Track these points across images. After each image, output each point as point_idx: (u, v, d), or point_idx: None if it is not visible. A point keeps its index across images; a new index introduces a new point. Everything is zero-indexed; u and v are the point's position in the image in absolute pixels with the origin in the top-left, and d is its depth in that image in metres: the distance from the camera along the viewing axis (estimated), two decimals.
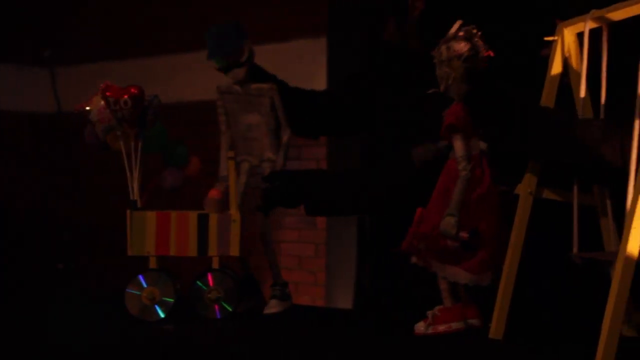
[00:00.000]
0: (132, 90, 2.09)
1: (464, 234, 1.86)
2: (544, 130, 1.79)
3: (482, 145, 1.92)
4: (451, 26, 1.88)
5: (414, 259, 1.95)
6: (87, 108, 2.17)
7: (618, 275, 1.47)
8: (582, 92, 1.84)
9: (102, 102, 2.12)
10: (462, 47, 1.85)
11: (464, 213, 1.87)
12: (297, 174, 2.32)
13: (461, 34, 1.86)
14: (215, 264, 2.15)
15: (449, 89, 1.90)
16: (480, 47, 1.85)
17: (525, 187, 1.87)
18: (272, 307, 2.23)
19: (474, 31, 1.85)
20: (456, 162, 1.90)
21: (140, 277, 2.14)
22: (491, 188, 1.90)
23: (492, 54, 1.86)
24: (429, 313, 1.94)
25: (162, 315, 2.13)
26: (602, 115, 1.77)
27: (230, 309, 2.14)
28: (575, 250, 1.79)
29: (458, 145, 1.90)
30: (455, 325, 1.94)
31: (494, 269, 1.91)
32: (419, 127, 2.27)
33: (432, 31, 2.36)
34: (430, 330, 1.92)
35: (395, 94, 2.45)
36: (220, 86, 2.29)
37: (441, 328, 1.92)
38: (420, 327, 1.93)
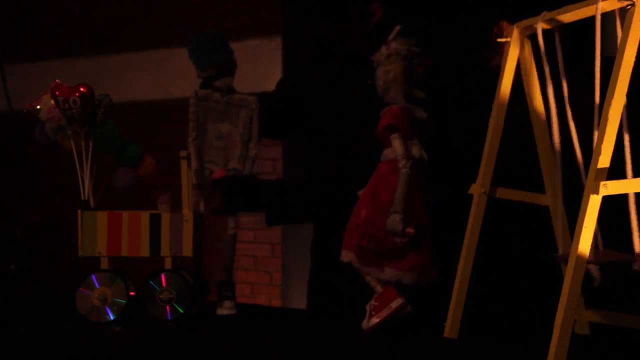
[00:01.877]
0: (82, 89, 2.07)
1: (410, 230, 1.87)
2: None
3: (416, 151, 1.94)
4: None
5: (345, 256, 1.96)
6: (38, 107, 2.14)
7: (570, 275, 1.48)
8: (536, 96, 1.86)
9: (52, 101, 2.09)
10: (400, 46, 1.92)
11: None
12: (259, 181, 2.33)
13: (399, 38, 1.93)
14: (168, 265, 2.14)
15: (388, 92, 1.94)
16: (418, 53, 1.93)
17: (479, 187, 1.88)
18: (230, 308, 2.21)
19: (412, 41, 1.93)
20: (393, 162, 1.92)
21: (93, 277, 2.12)
22: (414, 190, 1.92)
23: (430, 62, 1.94)
24: (367, 307, 1.95)
25: (112, 316, 2.10)
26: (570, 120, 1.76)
27: (182, 311, 2.12)
28: (560, 250, 1.79)
29: (397, 143, 1.92)
30: (394, 304, 1.92)
31: (436, 268, 1.94)
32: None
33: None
34: (375, 321, 1.92)
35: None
36: (199, 92, 2.23)
37: (385, 313, 1.92)
38: (365, 324, 1.94)
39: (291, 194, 2.41)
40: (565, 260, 1.74)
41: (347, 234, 1.97)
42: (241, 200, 2.28)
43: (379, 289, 1.95)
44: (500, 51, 2.16)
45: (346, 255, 1.96)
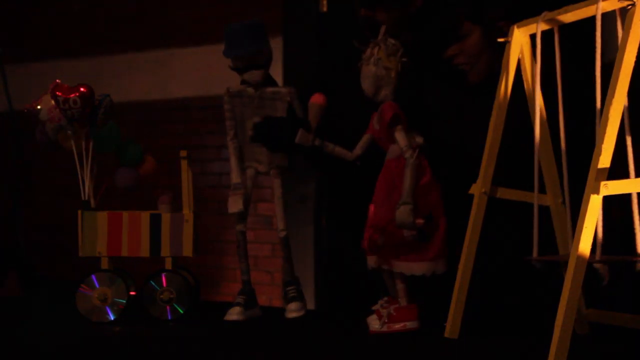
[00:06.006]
0: (82, 89, 2.07)
1: (419, 221, 1.87)
2: None
3: (419, 139, 1.96)
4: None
5: (370, 263, 1.96)
6: (38, 107, 2.14)
7: (570, 275, 1.48)
8: (536, 95, 1.86)
9: (52, 101, 2.09)
10: (397, 45, 1.95)
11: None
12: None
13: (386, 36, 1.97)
14: (168, 265, 2.13)
15: (380, 90, 1.96)
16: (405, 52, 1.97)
17: (480, 187, 1.88)
18: (297, 310, 2.15)
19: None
20: (397, 158, 1.94)
21: (93, 277, 2.12)
22: (433, 178, 1.94)
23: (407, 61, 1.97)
24: (384, 311, 1.94)
25: (112, 316, 2.11)
26: (561, 118, 1.77)
27: (182, 311, 2.12)
28: (535, 254, 1.79)
29: (401, 135, 1.94)
30: (409, 325, 1.95)
31: (446, 258, 1.93)
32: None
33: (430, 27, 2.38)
34: (385, 328, 1.92)
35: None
36: (230, 89, 2.18)
37: (397, 327, 1.93)
38: (375, 324, 1.93)
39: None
40: (538, 262, 1.75)
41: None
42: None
43: (404, 301, 1.95)
44: (464, 49, 2.20)
45: (370, 261, 1.96)
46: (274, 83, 2.23)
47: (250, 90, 2.16)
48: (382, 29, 1.97)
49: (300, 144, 2.06)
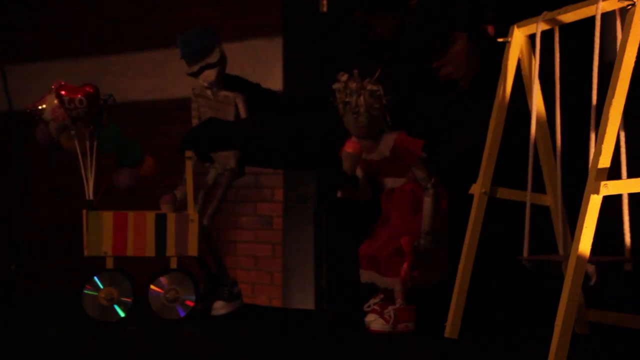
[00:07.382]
0: (88, 89, 2.07)
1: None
2: None
3: None
4: None
5: (366, 278, 1.99)
6: (40, 107, 2.14)
7: (570, 275, 1.48)
8: (535, 95, 1.86)
9: (56, 101, 2.09)
10: (378, 88, 1.88)
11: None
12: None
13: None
14: (173, 264, 2.14)
15: (374, 125, 1.91)
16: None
17: (480, 187, 1.88)
18: (218, 309, 2.20)
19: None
20: (417, 184, 1.96)
21: (96, 278, 2.12)
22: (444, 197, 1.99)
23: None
24: (386, 312, 1.95)
25: (122, 314, 2.11)
26: (558, 118, 1.78)
27: (186, 311, 2.13)
28: (525, 253, 1.80)
29: (421, 168, 1.94)
30: (412, 326, 1.96)
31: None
32: None
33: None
34: (387, 329, 1.93)
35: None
36: (195, 88, 2.25)
37: (400, 327, 1.95)
38: (377, 324, 1.94)
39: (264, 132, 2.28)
40: (529, 262, 1.75)
41: (385, 261, 1.95)
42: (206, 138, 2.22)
43: (403, 303, 1.96)
44: (450, 58, 2.20)
45: (392, 283, 1.95)
46: (232, 87, 2.28)
47: (209, 92, 2.21)
48: (377, 73, 1.89)
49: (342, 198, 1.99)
